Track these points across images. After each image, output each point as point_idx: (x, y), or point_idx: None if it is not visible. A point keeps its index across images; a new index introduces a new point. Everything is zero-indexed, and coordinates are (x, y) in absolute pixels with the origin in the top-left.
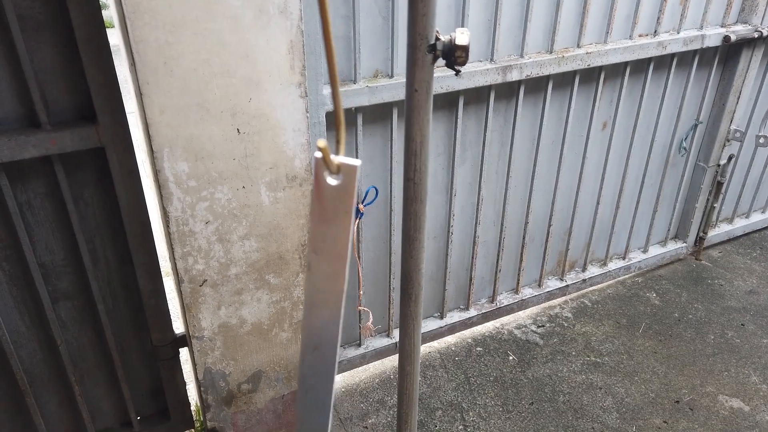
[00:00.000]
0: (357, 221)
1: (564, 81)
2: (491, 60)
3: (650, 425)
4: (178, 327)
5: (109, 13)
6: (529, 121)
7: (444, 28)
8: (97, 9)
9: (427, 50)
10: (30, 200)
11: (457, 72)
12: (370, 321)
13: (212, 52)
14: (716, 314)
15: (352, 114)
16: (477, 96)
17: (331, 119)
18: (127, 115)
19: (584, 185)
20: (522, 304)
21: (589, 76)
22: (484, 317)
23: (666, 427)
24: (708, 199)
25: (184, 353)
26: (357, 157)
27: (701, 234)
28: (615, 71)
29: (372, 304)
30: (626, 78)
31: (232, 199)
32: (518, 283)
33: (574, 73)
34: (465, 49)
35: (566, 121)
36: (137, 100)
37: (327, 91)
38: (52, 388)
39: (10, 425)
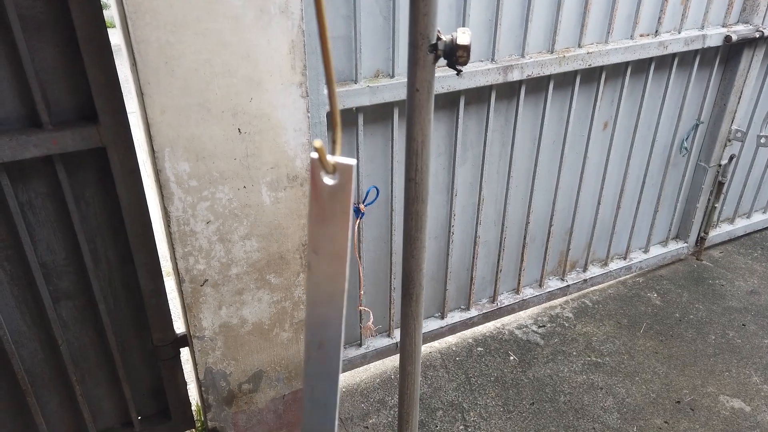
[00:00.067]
0: (358, 221)
1: (565, 81)
2: (492, 60)
3: (651, 425)
4: (179, 327)
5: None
6: (530, 121)
7: (445, 28)
8: (99, 9)
9: (428, 50)
10: (31, 200)
11: (459, 72)
12: (371, 321)
13: (213, 52)
14: (717, 314)
15: (353, 114)
16: (478, 96)
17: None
18: (129, 114)
19: (585, 185)
20: (523, 304)
21: (590, 76)
22: (485, 317)
23: (667, 428)
24: (709, 199)
25: (185, 353)
26: (358, 157)
27: (702, 234)
28: (616, 71)
29: (373, 304)
30: (627, 78)
31: (233, 199)
32: (519, 283)
33: (575, 73)
34: (466, 48)
35: (567, 121)
36: (138, 99)
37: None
38: (53, 387)
39: (11, 425)
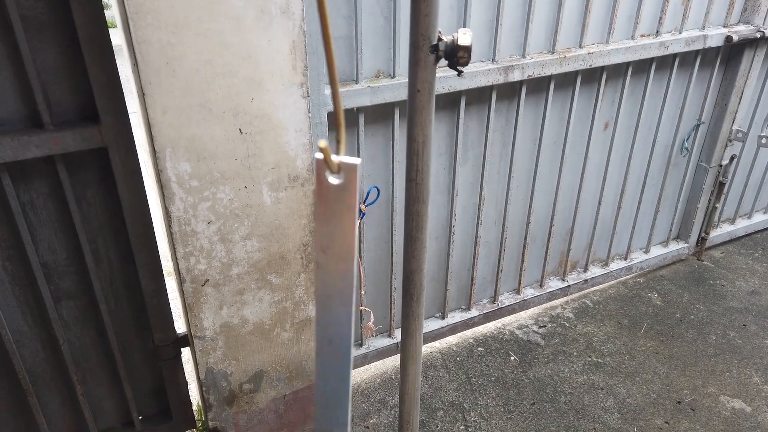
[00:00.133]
0: (359, 221)
1: (566, 81)
2: (493, 60)
3: (652, 426)
4: (180, 327)
5: (112, 13)
6: (530, 121)
7: (446, 29)
8: (100, 9)
9: (429, 51)
10: (33, 200)
11: (460, 72)
12: (372, 321)
13: (214, 53)
14: (718, 315)
15: (353, 114)
16: (479, 96)
17: (333, 119)
18: (130, 115)
19: (586, 185)
20: (523, 305)
21: (591, 76)
22: (486, 317)
23: (667, 428)
24: (710, 200)
25: (186, 353)
26: (358, 157)
27: (703, 234)
28: (617, 71)
29: (373, 304)
30: (628, 78)
31: (234, 199)
32: (520, 283)
33: (575, 73)
34: (467, 49)
35: (568, 122)
36: (140, 100)
37: (329, 91)
38: (54, 387)
39: (12, 425)
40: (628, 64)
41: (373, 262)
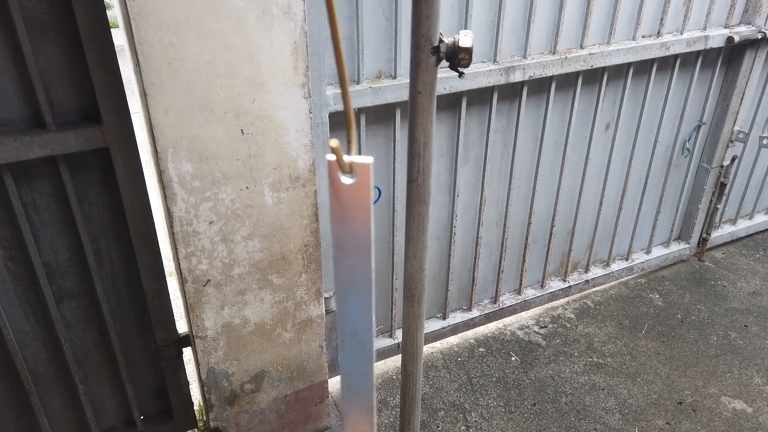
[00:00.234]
0: None
1: (567, 82)
2: (494, 61)
3: (653, 426)
4: (182, 327)
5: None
6: (532, 122)
7: (447, 29)
8: (102, 10)
9: (430, 52)
10: (35, 200)
11: (461, 74)
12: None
13: (216, 54)
14: (719, 315)
15: (355, 114)
16: (480, 97)
17: (335, 120)
18: (132, 115)
19: (587, 186)
20: (525, 305)
21: (592, 77)
22: (487, 318)
23: (668, 429)
24: (711, 200)
25: (187, 353)
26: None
27: (704, 235)
28: (618, 72)
29: (375, 304)
30: (629, 79)
31: (236, 200)
32: (521, 283)
33: (577, 74)
34: (468, 51)
35: (569, 122)
36: (142, 100)
37: (330, 91)
38: (56, 387)
39: (14, 424)
40: (629, 64)
41: (374, 262)
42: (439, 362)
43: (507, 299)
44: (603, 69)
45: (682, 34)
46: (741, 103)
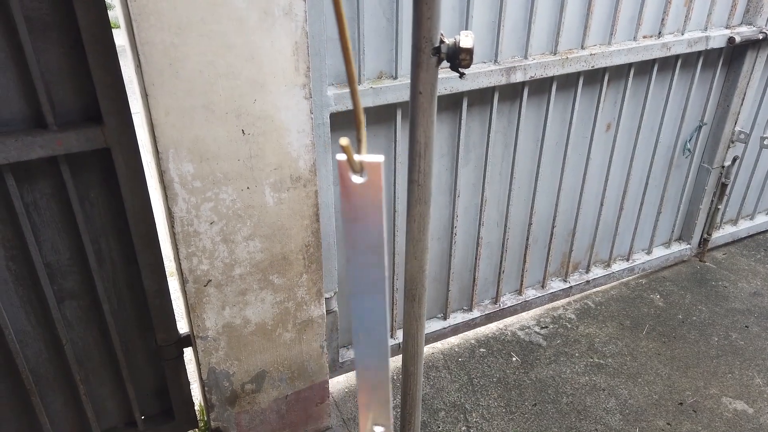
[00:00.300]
0: None
1: (568, 82)
2: (495, 61)
3: (653, 427)
4: (183, 327)
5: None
6: (532, 122)
7: (448, 30)
8: (104, 10)
9: (431, 53)
10: (36, 200)
11: (462, 74)
12: None
13: (217, 54)
14: (720, 316)
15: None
16: (481, 97)
17: (336, 120)
18: (133, 116)
19: (588, 186)
20: (525, 306)
21: (593, 77)
22: (488, 318)
23: (669, 429)
24: (712, 201)
25: (188, 353)
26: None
27: (705, 235)
28: (619, 72)
29: None
30: (630, 79)
31: (237, 200)
32: (522, 284)
33: (578, 74)
34: (469, 51)
35: (570, 123)
36: (143, 101)
37: (331, 92)
38: (57, 387)
39: (15, 424)
40: (630, 65)
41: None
42: (439, 362)
43: (508, 299)
44: (604, 69)
45: (683, 34)
46: (742, 104)
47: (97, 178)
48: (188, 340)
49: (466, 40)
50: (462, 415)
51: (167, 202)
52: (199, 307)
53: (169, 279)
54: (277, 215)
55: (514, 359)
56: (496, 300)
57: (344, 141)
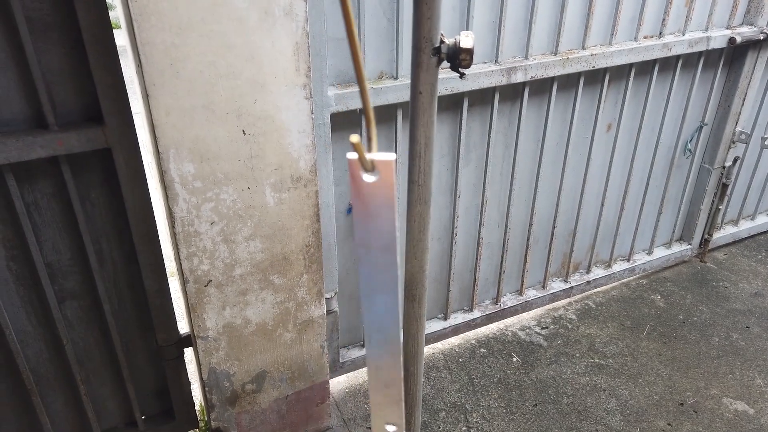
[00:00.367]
0: None
1: (569, 82)
2: (496, 62)
3: (654, 427)
4: (183, 327)
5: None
6: (533, 122)
7: (449, 30)
8: (105, 10)
9: (431, 53)
10: (37, 200)
11: (462, 75)
12: None
13: (218, 54)
14: (721, 317)
15: (356, 115)
16: (481, 97)
17: (336, 120)
18: (134, 116)
19: (589, 187)
20: (526, 306)
21: (594, 77)
22: (488, 319)
23: (670, 430)
24: (713, 201)
25: (188, 353)
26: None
27: (706, 236)
28: (620, 73)
29: None
30: (631, 79)
31: (237, 200)
32: (522, 284)
33: (578, 74)
34: (469, 52)
35: (571, 123)
36: (143, 101)
37: (332, 92)
38: (57, 387)
39: (16, 424)
40: (631, 65)
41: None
42: (440, 363)
43: (508, 300)
44: (605, 70)
45: (683, 34)
46: (743, 104)
47: (98, 178)
48: (189, 340)
49: (466, 41)
50: (462, 416)
51: (168, 202)
52: (199, 307)
53: (169, 279)
54: (277, 215)
55: (514, 359)
56: (496, 300)
57: (355, 138)
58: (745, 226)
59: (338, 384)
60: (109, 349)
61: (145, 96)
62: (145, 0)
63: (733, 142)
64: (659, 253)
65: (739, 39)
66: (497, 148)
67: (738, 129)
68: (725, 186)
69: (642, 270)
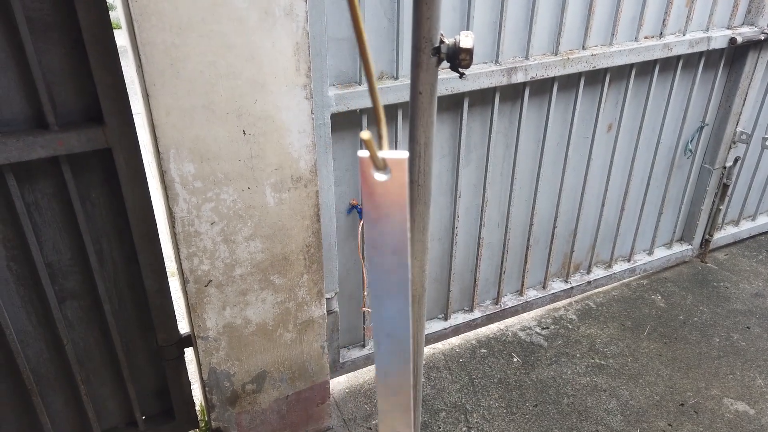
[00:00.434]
0: (361, 222)
1: (569, 83)
2: (496, 62)
3: (655, 428)
4: (184, 327)
5: (117, 15)
6: (534, 122)
7: (449, 30)
8: (105, 11)
9: (431, 53)
10: (37, 200)
11: (461, 75)
12: None
13: (218, 54)
14: (722, 317)
15: (356, 115)
16: (482, 98)
17: (337, 121)
18: (134, 116)
19: (589, 187)
20: (526, 306)
21: (595, 77)
22: (489, 319)
23: (670, 430)
24: (714, 202)
25: (189, 353)
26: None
27: (707, 236)
28: (620, 73)
29: None
30: (632, 80)
31: (238, 200)
32: (523, 284)
33: (579, 74)
34: (469, 52)
35: (571, 123)
36: (144, 101)
37: (332, 92)
38: (58, 387)
39: (16, 424)
40: (631, 65)
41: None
42: (440, 363)
43: (509, 300)
44: (605, 70)
45: (684, 35)
46: (744, 104)
47: (98, 178)
48: (189, 341)
49: (465, 41)
50: (463, 416)
51: (168, 202)
52: (199, 308)
53: (169, 279)
54: (277, 215)
55: (515, 360)
56: (497, 300)
57: (366, 135)
58: (746, 227)
59: (338, 384)
60: (109, 349)
61: (146, 96)
62: (145, 0)
63: (734, 143)
64: (660, 253)
65: (739, 39)
66: (498, 149)
67: (739, 129)
68: (726, 186)
69: (642, 270)
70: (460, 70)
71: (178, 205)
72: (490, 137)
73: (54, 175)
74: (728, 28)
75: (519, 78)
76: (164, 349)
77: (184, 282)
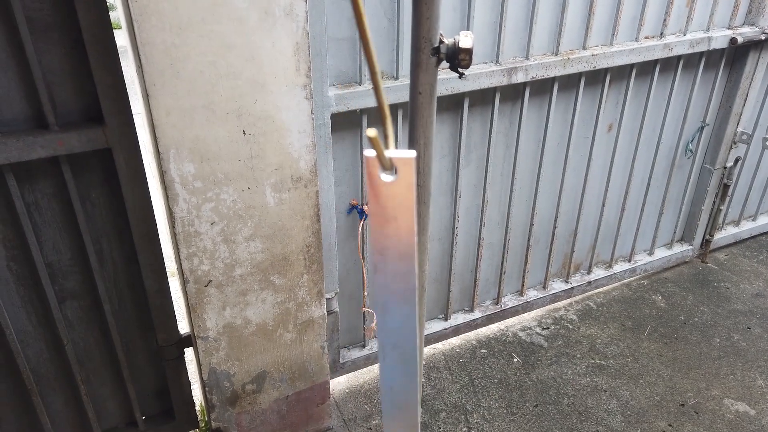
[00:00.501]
0: (362, 223)
1: (569, 83)
2: (496, 62)
3: (655, 428)
4: (184, 327)
5: (117, 15)
6: (534, 123)
7: (450, 30)
8: (105, 11)
9: (431, 53)
10: (37, 200)
11: (461, 75)
12: (375, 323)
13: (218, 54)
14: (722, 317)
15: (357, 116)
16: (482, 98)
17: (337, 121)
18: (134, 116)
19: (590, 187)
20: (527, 306)
21: (595, 78)
22: (489, 319)
23: (671, 431)
24: (714, 202)
25: (189, 353)
26: (361, 160)
27: (707, 236)
28: (621, 73)
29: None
30: (632, 80)
31: (238, 200)
32: (523, 285)
33: (579, 75)
34: (469, 52)
35: (571, 123)
36: (144, 101)
37: (332, 92)
38: (58, 387)
39: (16, 424)
40: (632, 65)
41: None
42: (440, 363)
43: (509, 300)
44: (606, 70)
45: (685, 35)
46: (744, 105)
47: (98, 178)
48: (189, 341)
49: (465, 41)
50: (463, 416)
51: (168, 203)
52: (199, 308)
53: (169, 279)
54: (277, 216)
55: (515, 360)
56: (497, 301)
57: (372, 132)
58: (747, 227)
59: (338, 384)
60: (109, 349)
61: (146, 96)
62: (145, 0)
63: (735, 143)
64: (660, 253)
65: (740, 39)
66: (498, 149)
67: (739, 129)
68: (726, 186)
69: (643, 270)
70: (459, 70)
71: (178, 205)
72: (490, 137)
73: (54, 175)
74: (729, 28)
75: (519, 78)
76: (164, 349)
77: (184, 282)
